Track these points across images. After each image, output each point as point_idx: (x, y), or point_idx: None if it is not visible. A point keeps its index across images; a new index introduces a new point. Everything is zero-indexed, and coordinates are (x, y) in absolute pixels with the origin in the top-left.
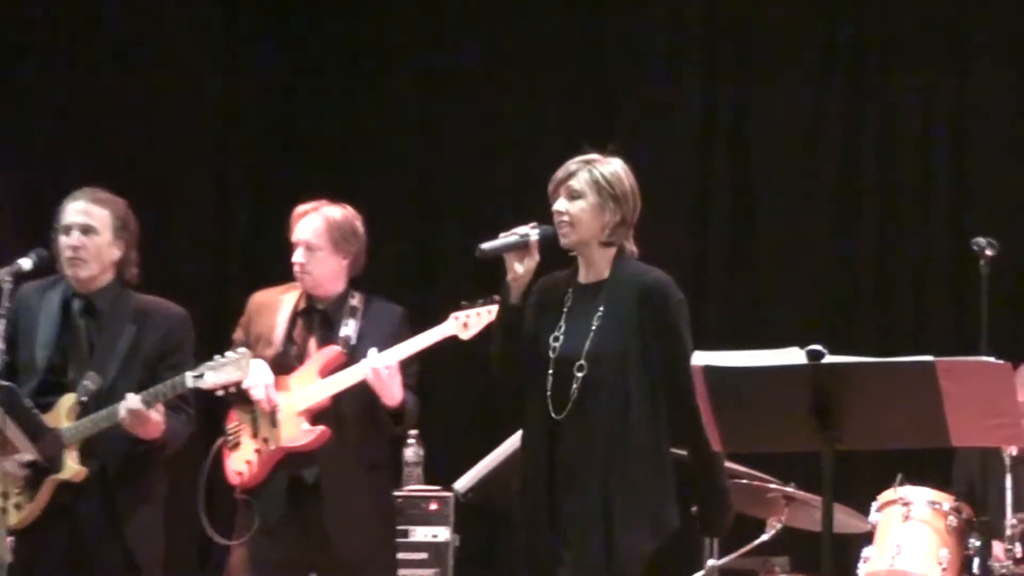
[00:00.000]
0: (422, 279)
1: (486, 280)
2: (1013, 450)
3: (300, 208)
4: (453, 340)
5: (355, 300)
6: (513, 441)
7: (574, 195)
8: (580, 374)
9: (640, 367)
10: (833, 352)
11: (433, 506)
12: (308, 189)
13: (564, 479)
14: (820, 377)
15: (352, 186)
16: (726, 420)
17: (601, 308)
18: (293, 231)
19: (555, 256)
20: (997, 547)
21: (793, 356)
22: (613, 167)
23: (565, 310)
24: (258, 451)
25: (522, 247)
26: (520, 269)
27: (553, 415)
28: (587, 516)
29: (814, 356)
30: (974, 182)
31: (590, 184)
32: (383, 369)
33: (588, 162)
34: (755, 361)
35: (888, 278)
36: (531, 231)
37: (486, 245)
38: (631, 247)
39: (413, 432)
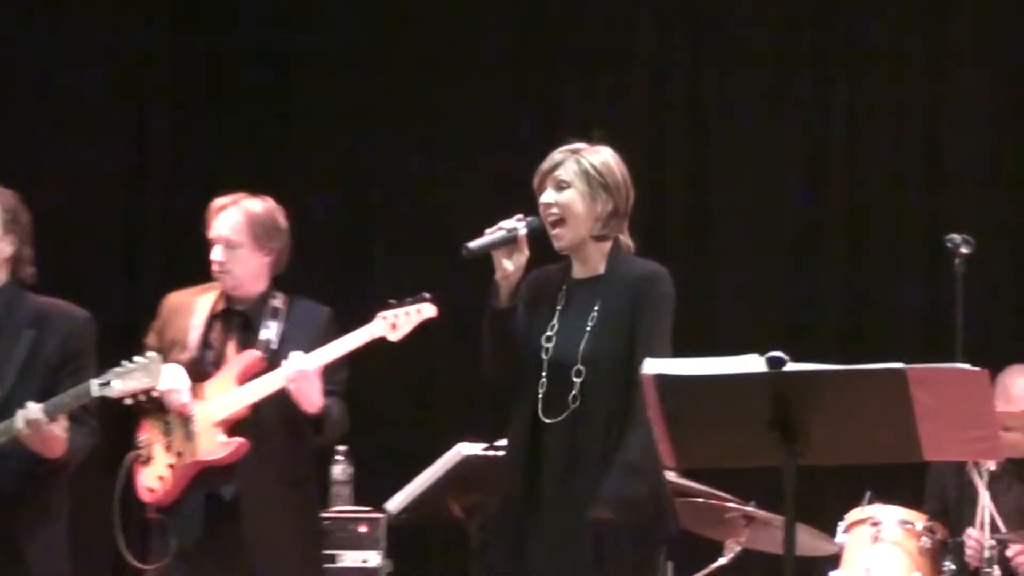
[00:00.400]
0: (352, 277)
1: (418, 278)
2: (991, 465)
3: (218, 202)
4: (383, 344)
5: (277, 301)
6: (451, 457)
7: (562, 185)
8: (578, 379)
9: (637, 369)
10: (796, 358)
11: (363, 528)
12: (227, 181)
13: (553, 487)
14: (781, 386)
15: (275, 177)
16: (679, 434)
17: (596, 307)
18: (210, 227)
19: (543, 250)
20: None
21: (752, 363)
22: (602, 156)
23: (559, 308)
24: (171, 466)
25: (511, 242)
26: (510, 267)
27: (544, 419)
28: (575, 530)
29: (774, 363)
30: (949, 174)
31: (578, 174)
32: (304, 373)
33: (575, 151)
34: (710, 369)
35: (856, 278)
36: (518, 224)
37: (473, 244)
38: (627, 240)
39: (341, 448)
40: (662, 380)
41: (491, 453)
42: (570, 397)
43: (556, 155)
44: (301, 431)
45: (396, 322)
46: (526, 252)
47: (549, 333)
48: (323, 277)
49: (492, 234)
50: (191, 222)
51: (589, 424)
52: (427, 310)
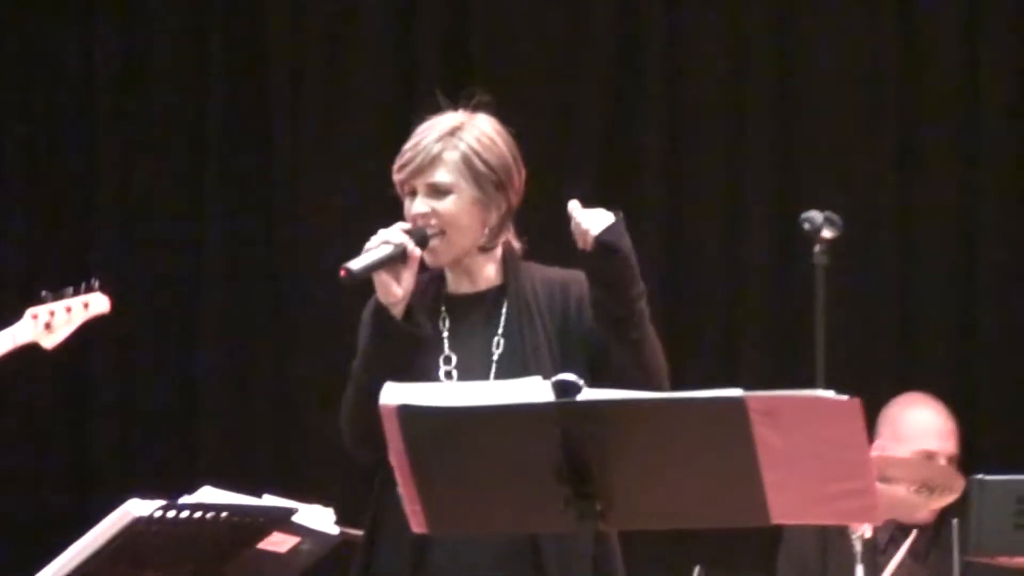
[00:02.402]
0: None
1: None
2: (867, 530)
3: None
4: (31, 352)
5: None
6: (117, 519)
7: (441, 189)
8: None
9: None
10: (597, 384)
11: None
12: None
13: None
14: (574, 422)
15: None
16: (435, 489)
17: (501, 327)
18: None
19: None
20: None
21: (534, 389)
22: (486, 132)
23: (445, 335)
24: None
25: (398, 259)
26: (399, 291)
27: None
28: None
29: (565, 390)
30: (801, 141)
31: (462, 170)
32: None
33: (452, 132)
34: (476, 397)
35: (681, 275)
36: (405, 238)
37: (355, 265)
38: (514, 242)
39: None
40: (409, 414)
41: (172, 514)
42: None
43: (429, 143)
44: None
45: (52, 321)
46: (415, 269)
47: (447, 368)
48: None
49: (376, 250)
50: None
51: None
52: (96, 303)
